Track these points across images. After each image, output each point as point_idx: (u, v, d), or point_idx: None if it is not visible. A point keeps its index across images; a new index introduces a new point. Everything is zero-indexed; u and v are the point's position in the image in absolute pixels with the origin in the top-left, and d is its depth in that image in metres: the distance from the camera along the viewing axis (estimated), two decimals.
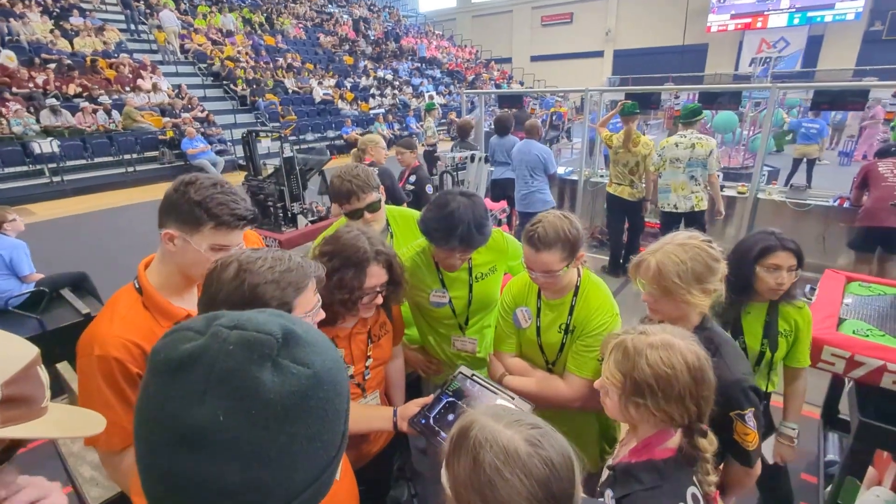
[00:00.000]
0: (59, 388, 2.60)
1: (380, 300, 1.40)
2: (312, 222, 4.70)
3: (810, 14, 20.88)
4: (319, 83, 16.80)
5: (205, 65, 15.17)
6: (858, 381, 1.89)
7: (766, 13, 22.00)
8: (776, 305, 1.76)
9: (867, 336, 1.87)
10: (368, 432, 1.47)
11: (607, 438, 1.71)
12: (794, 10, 21.30)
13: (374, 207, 1.87)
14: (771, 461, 1.82)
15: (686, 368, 0.96)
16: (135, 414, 0.50)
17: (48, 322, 3.36)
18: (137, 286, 1.24)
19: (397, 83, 19.74)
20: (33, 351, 0.65)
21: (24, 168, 9.62)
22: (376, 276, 1.35)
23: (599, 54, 27.23)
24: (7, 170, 9.41)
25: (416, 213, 2.21)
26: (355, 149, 4.12)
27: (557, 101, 13.54)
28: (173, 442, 0.45)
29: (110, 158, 10.69)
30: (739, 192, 5.31)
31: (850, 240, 4.34)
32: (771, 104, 4.89)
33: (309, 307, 1.00)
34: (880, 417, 1.82)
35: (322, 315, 1.06)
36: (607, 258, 5.38)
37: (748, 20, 22.43)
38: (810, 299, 2.41)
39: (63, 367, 2.46)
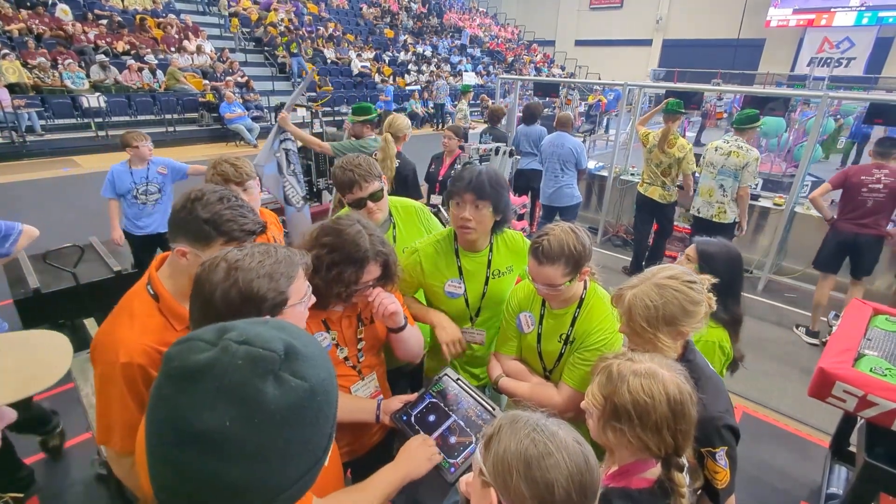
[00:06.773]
0: (84, 344, 2.76)
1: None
2: None
3: (882, 14, 19.49)
4: (358, 55, 16.72)
5: (248, 30, 15.28)
6: (869, 421, 1.83)
7: (832, 10, 20.64)
8: None
9: (884, 376, 1.79)
10: (355, 422, 1.51)
11: (598, 450, 1.71)
12: (863, 8, 19.92)
13: (376, 197, 1.88)
14: None
15: (666, 400, 0.96)
16: (146, 412, 0.56)
17: (81, 276, 3.54)
18: (152, 292, 1.25)
19: (435, 60, 19.48)
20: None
21: (73, 121, 10.01)
22: (372, 273, 1.39)
23: (647, 43, 26.15)
24: (57, 121, 9.82)
25: (419, 205, 2.21)
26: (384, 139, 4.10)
27: (596, 90, 13.10)
28: (184, 441, 0.52)
29: (152, 117, 11.01)
30: (776, 204, 5.05)
31: None
32: (820, 113, 4.60)
33: (301, 294, 1.03)
34: (888, 460, 1.77)
35: (314, 299, 1.10)
36: (630, 259, 5.29)
37: (812, 16, 21.11)
38: (832, 327, 2.33)
39: (90, 323, 2.61)
